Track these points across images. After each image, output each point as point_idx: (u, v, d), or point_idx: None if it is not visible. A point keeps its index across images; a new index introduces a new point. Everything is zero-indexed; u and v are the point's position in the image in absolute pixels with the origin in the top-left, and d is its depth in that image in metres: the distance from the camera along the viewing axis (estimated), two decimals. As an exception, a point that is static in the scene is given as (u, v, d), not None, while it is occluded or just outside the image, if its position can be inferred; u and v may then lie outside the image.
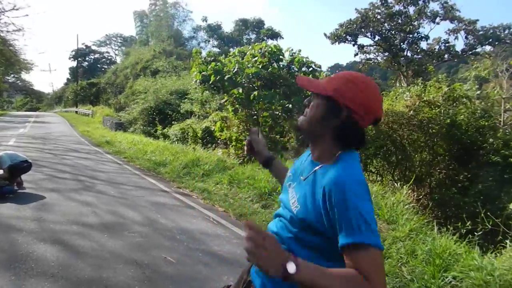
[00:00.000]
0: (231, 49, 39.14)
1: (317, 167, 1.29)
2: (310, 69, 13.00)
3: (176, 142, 16.42)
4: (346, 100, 1.26)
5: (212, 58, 13.74)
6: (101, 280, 3.37)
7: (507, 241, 5.95)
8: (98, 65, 74.51)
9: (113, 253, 4.02)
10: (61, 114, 42.94)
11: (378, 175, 12.71)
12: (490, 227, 6.86)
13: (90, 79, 55.03)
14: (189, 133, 16.69)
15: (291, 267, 1.01)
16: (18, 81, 64.84)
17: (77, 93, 49.47)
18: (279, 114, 12.52)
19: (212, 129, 15.23)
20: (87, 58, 73.57)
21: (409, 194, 11.30)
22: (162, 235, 4.77)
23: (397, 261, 4.39)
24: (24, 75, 60.51)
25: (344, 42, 24.98)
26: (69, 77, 70.65)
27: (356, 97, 1.26)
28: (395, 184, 10.44)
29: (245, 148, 1.73)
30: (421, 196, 12.19)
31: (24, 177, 6.66)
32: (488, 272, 3.96)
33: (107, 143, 15.47)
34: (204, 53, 14.74)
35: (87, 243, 4.24)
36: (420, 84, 11.83)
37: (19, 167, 6.39)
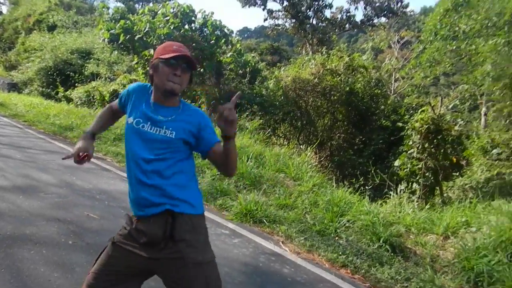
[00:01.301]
0: (136, 5, 37.04)
1: (179, 110, 1.81)
2: (223, 33, 13.09)
3: (81, 105, 15.60)
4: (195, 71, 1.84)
5: (121, 16, 13.11)
6: (25, 236, 3.42)
7: (391, 193, 7.03)
8: (-20, 16, 65.38)
9: (32, 212, 4.02)
10: None
11: (285, 139, 13.57)
12: (378, 181, 7.96)
13: (-30, 31, 48.30)
14: (95, 96, 15.94)
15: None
16: None
17: (-45, 47, 43.22)
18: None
19: (121, 92, 14.75)
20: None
21: (312, 156, 12.33)
22: (81, 195, 4.83)
23: (302, 210, 5.01)
24: None
25: (254, 5, 25.17)
26: None
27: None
28: (301, 147, 11.26)
29: (77, 156, 1.89)
30: (322, 158, 13.36)
31: None
32: (374, 215, 4.75)
33: (1, 106, 14.18)
34: (110, 10, 13.88)
35: (2, 204, 4.15)
36: (324, 52, 12.73)
37: None
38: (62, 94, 17.98)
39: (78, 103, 16.28)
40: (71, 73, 19.99)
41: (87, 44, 23.23)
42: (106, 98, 15.54)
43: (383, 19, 24.34)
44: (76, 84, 18.93)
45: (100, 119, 2.09)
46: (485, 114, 13.65)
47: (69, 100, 16.97)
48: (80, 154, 1.81)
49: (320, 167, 11.81)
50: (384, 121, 11.62)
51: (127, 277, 1.74)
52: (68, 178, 5.56)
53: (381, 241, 4.22)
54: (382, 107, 12.22)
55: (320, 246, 4.02)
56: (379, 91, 12.47)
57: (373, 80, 13.05)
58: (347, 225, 4.65)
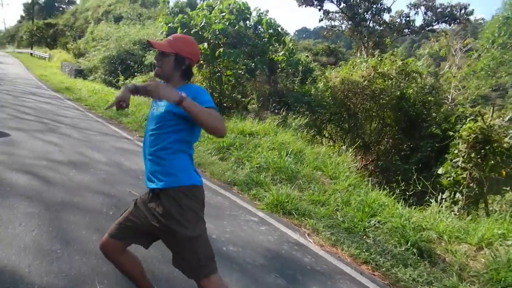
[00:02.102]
0: (198, 0, 38.05)
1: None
2: (276, 32, 13.26)
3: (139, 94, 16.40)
4: (185, 53, 2.02)
5: (179, 10, 13.66)
6: (73, 203, 3.81)
7: (432, 201, 6.87)
8: (56, 4, 70.07)
9: (82, 184, 4.43)
10: (14, 55, 40.68)
11: (330, 140, 13.51)
12: (420, 188, 7.78)
13: (47, 18, 51.93)
14: (152, 86, 16.69)
15: (183, 94, 1.73)
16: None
17: (32, 34, 46.66)
18: (242, 73, 12.83)
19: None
20: (42, -6, 68.95)
21: (354, 158, 12.21)
22: (126, 174, 5.21)
23: (334, 207, 5.07)
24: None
25: (311, 5, 25.08)
26: (23, 14, 66.21)
27: (190, 50, 2.05)
28: (346, 148, 11.18)
29: (118, 104, 2.08)
30: (368, 162, 13.18)
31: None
32: (406, 218, 4.73)
33: (67, 90, 15.25)
34: (171, 3, 14.51)
35: (57, 175, 4.60)
36: (377, 56, 12.52)
37: None
38: (122, 82, 19.00)
39: (136, 91, 17.13)
40: (131, 63, 21.05)
41: (149, 36, 24.31)
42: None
43: (443, 25, 23.37)
44: (136, 73, 19.92)
45: None
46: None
47: (128, 88, 17.90)
48: (120, 102, 2.03)
49: (364, 170, 11.69)
50: (434, 128, 11.25)
51: (140, 233, 2.07)
52: (117, 159, 5.99)
53: (408, 244, 4.21)
54: (434, 114, 11.83)
55: (345, 242, 4.08)
56: (432, 98, 12.07)
57: (427, 87, 12.65)
58: (376, 225, 4.67)
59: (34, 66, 26.56)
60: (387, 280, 3.47)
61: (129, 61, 21.36)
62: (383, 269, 3.62)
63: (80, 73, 22.45)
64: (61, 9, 67.57)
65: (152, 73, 18.82)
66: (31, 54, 39.27)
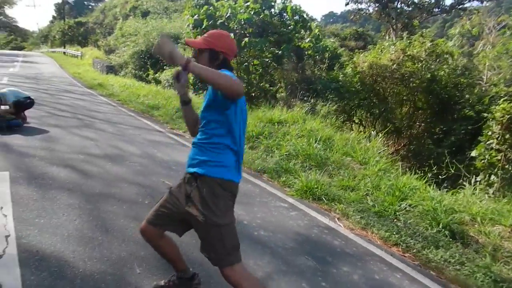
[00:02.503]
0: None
1: None
2: (302, 18, 13.16)
3: (168, 87, 16.74)
4: (219, 47, 2.09)
5: (205, 1, 13.77)
6: (110, 194, 4.01)
7: (466, 184, 6.75)
8: (85, 2, 72.00)
9: (118, 176, 4.64)
10: (48, 54, 42.13)
11: (361, 125, 13.35)
12: (453, 172, 7.64)
13: (77, 17, 53.40)
14: (180, 79, 16.96)
15: (189, 58, 1.83)
16: (1, 17, 62.48)
17: (64, 33, 48.16)
18: (269, 62, 12.84)
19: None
20: (72, -6, 71.04)
21: (389, 145, 12.06)
22: (159, 165, 5.40)
23: (364, 192, 5.08)
24: (8, 11, 58.32)
25: (337, -10, 24.59)
26: (55, 15, 68.35)
27: (223, 44, 2.10)
28: (377, 133, 11.04)
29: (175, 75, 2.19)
30: (399, 147, 12.97)
31: (26, 113, 7.12)
32: (437, 201, 4.69)
33: (100, 86, 15.73)
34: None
35: (94, 168, 4.84)
36: (405, 38, 12.21)
37: (23, 103, 6.83)
38: (152, 76, 19.39)
39: (166, 85, 17.46)
40: (160, 57, 21.42)
41: (176, 29, 24.63)
42: (190, 81, 16.50)
43: (476, 3, 22.40)
44: (165, 67, 20.26)
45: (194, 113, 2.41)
46: None
47: (157, 82, 18.26)
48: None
49: (396, 155, 11.52)
50: (467, 111, 10.92)
51: (174, 220, 2.20)
52: (150, 151, 6.20)
53: (440, 226, 4.19)
54: (467, 96, 11.46)
55: (375, 225, 4.11)
56: (465, 80, 11.69)
57: (460, 68, 12.24)
58: (407, 209, 4.65)
59: (67, 65, 27.45)
60: (417, 261, 3.49)
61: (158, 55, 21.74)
62: (414, 251, 3.64)
63: (111, 69, 23.04)
64: (90, 7, 69.37)
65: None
66: (64, 53, 40.54)
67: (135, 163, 5.36)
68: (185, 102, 2.24)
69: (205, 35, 2.14)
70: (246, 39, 11.71)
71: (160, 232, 2.26)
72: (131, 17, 36.14)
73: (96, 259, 2.74)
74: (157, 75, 19.45)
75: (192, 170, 2.10)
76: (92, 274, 2.55)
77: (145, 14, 35.30)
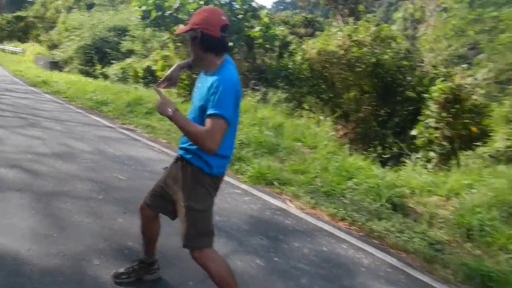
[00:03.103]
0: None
1: (208, 75, 2.01)
2: (252, 7, 13.25)
3: (117, 81, 16.35)
4: (194, 25, 1.95)
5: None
6: (63, 192, 3.99)
7: (407, 161, 7.22)
8: (23, -4, 67.95)
9: (70, 174, 4.59)
10: (-16, 52, 39.58)
11: (311, 112, 13.73)
12: (396, 151, 8.14)
13: (16, 11, 50.36)
14: (130, 73, 16.63)
15: (170, 112, 1.85)
16: None
17: (2, 28, 45.33)
18: (219, 52, 12.84)
19: (154, 68, 15.30)
20: (9, -12, 66.78)
21: (338, 129, 12.51)
22: (112, 161, 5.38)
23: (313, 174, 5.34)
24: None
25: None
26: (-10, 11, 64.14)
27: (200, 20, 1.94)
28: (326, 118, 11.43)
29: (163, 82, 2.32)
30: (348, 131, 13.48)
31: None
32: (380, 178, 5.04)
33: (44, 83, 15.07)
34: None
35: (44, 167, 4.75)
36: (351, 24, 12.64)
37: None
38: (99, 71, 18.84)
39: (114, 79, 17.04)
40: (107, 50, 20.79)
41: (123, 21, 23.92)
42: (139, 75, 16.20)
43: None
44: (112, 61, 19.72)
45: None
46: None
47: (105, 76, 17.77)
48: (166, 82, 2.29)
49: (345, 138, 11.99)
50: (409, 92, 11.55)
51: (167, 202, 2.28)
52: (101, 147, 6.13)
53: (383, 201, 4.53)
54: (409, 78, 12.11)
55: (324, 203, 4.38)
56: (407, 63, 12.32)
57: (402, 51, 12.87)
58: (353, 187, 4.97)
59: (7, 62, 25.95)
60: (362, 232, 3.79)
61: (105, 49, 21.09)
62: (359, 224, 3.93)
63: (56, 65, 22.13)
64: (30, 0, 65.54)
65: (129, 60, 18.71)
66: (3, 49, 38.24)
67: (87, 160, 5.31)
68: (190, 66, 2.36)
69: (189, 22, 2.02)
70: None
71: (155, 214, 2.38)
72: (75, 10, 34.57)
73: (53, 255, 2.78)
74: (104, 69, 18.92)
75: (180, 152, 2.16)
76: (49, 270, 2.60)
77: (90, 6, 33.88)
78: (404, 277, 3.16)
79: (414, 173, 5.61)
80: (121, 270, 2.56)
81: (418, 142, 7.76)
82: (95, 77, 17.96)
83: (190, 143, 2.05)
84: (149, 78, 15.46)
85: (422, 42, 19.22)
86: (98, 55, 20.88)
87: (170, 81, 2.31)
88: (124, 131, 7.63)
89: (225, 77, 1.93)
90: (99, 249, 2.92)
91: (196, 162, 2.08)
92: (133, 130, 7.82)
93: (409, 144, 8.26)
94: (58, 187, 4.15)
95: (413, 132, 8.04)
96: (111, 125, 8.11)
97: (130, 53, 20.10)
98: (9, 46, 37.53)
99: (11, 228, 3.12)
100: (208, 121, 1.87)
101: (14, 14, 47.47)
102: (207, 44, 1.96)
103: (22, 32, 43.96)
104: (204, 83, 2.01)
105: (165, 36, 13.69)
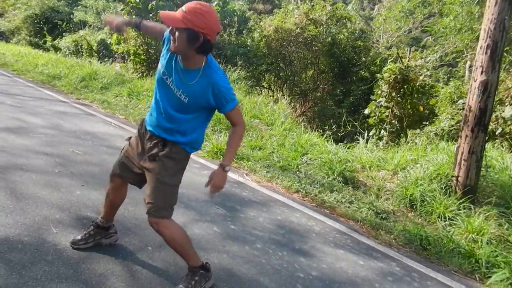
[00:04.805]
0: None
1: (199, 74, 2.03)
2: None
3: (69, 55, 15.70)
4: (201, 29, 1.89)
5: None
6: (17, 165, 3.91)
7: (360, 139, 7.56)
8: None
9: (23, 148, 4.48)
10: None
11: (269, 90, 13.92)
12: (350, 129, 8.47)
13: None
14: (83, 46, 16.01)
15: (227, 168, 2.17)
16: None
17: None
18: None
19: (109, 42, 14.82)
20: None
21: (296, 107, 12.76)
22: (67, 136, 5.29)
23: (270, 150, 5.53)
24: None
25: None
26: None
27: (205, 24, 1.90)
28: (284, 97, 11.61)
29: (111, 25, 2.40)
30: (306, 110, 13.81)
31: None
32: (333, 154, 5.30)
33: (-11, 55, 14.26)
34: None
35: (-4, 141, 4.61)
36: (308, 2, 12.80)
37: None
38: (50, 43, 17.96)
39: (66, 52, 16.34)
40: (58, 21, 19.79)
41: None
42: (93, 48, 15.65)
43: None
44: (64, 33, 18.84)
45: (153, 25, 2.42)
46: (470, 67, 13.99)
47: (57, 49, 17.00)
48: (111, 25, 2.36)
49: (303, 116, 12.29)
50: (363, 72, 11.97)
51: (133, 171, 2.36)
52: (56, 121, 5.99)
53: (335, 174, 4.80)
54: (364, 59, 12.52)
55: (280, 177, 4.58)
56: (361, 43, 12.70)
57: (357, 32, 13.23)
58: (308, 162, 5.21)
59: None
60: (314, 203, 4.03)
61: (55, 19, 20.05)
62: (312, 195, 4.17)
63: (1, 36, 20.82)
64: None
65: (82, 32, 17.96)
66: None
67: (41, 134, 5.18)
68: (137, 27, 2.38)
69: (184, 9, 1.90)
70: (154, 2, 11.37)
71: (122, 182, 2.46)
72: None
73: (9, 225, 2.78)
74: (56, 42, 18.06)
75: (163, 135, 2.19)
76: (7, 238, 2.60)
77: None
78: (351, 241, 3.43)
79: (366, 150, 5.92)
80: (78, 237, 2.62)
81: (371, 120, 8.14)
82: (46, 49, 17.14)
83: (173, 126, 2.15)
84: (104, 52, 14.98)
85: (375, 23, 19.79)
86: (48, 25, 19.86)
87: (112, 25, 2.37)
88: (79, 106, 7.46)
89: (219, 73, 2.07)
90: (56, 219, 2.94)
91: (182, 144, 2.20)
92: (89, 105, 7.66)
93: (362, 122, 8.63)
94: (11, 160, 4.06)
95: (366, 111, 8.41)
96: (65, 100, 7.88)
97: (83, 24, 19.28)
98: None
99: (-37, 201, 3.07)
100: (232, 114, 2.15)
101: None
102: (204, 48, 1.97)
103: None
104: (191, 77, 2.04)
105: (120, 7, 13.25)
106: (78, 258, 2.51)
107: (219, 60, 12.87)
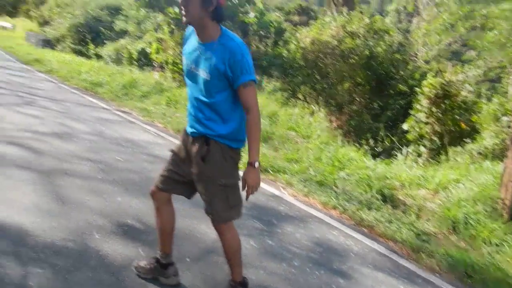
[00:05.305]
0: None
1: (215, 45, 1.96)
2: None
3: (111, 63, 16.26)
4: None
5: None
6: (63, 170, 4.06)
7: (398, 155, 7.39)
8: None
9: (68, 153, 4.66)
10: (-27, 26, 38.75)
11: (305, 102, 13.84)
12: (388, 144, 8.30)
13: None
14: (124, 54, 16.53)
15: (256, 163, 2.03)
16: None
17: (-9, 2, 44.38)
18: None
19: (148, 51, 15.23)
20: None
21: (327, 118, 12.62)
22: (109, 142, 5.45)
23: (306, 164, 5.48)
24: None
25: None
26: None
27: None
28: (320, 109, 11.52)
29: None
30: (341, 123, 13.63)
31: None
32: (371, 170, 5.20)
33: (37, 62, 14.92)
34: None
35: (43, 145, 4.80)
36: (345, 14, 12.68)
37: None
38: (93, 51, 18.67)
39: (108, 60, 16.93)
40: (101, 29, 20.56)
41: (116, 0, 23.63)
42: (134, 56, 16.12)
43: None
44: (105, 41, 19.54)
45: None
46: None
47: (99, 57, 17.64)
48: None
49: (338, 129, 12.13)
50: (401, 86, 11.71)
51: (180, 183, 2.26)
52: (98, 128, 6.20)
53: (373, 192, 4.69)
54: (402, 72, 12.25)
55: (316, 192, 4.52)
56: (399, 56, 12.45)
57: (395, 44, 13.00)
58: (345, 177, 5.12)
59: (-3, 38, 25.55)
60: (352, 221, 3.94)
61: (98, 28, 20.86)
62: (349, 212, 4.09)
63: (48, 43, 21.84)
64: (19, -26, 64.20)
65: (123, 40, 18.57)
66: (-7, 24, 37.45)
67: (85, 140, 5.37)
68: None
69: None
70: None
71: (167, 197, 2.33)
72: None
73: (55, 228, 2.87)
74: (98, 49, 18.76)
75: (202, 130, 2.09)
76: (53, 241, 2.69)
77: (81, -17, 33.31)
78: (391, 264, 3.33)
79: (405, 167, 5.78)
80: (141, 263, 2.49)
81: (409, 136, 7.94)
82: (89, 57, 17.82)
83: (208, 114, 2.06)
84: (144, 60, 15.40)
85: (414, 36, 19.40)
86: (91, 34, 20.68)
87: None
88: (120, 113, 7.68)
89: (239, 41, 1.97)
90: (99, 225, 3.02)
91: (222, 140, 2.07)
92: (129, 113, 7.87)
93: (400, 138, 8.44)
94: (58, 165, 4.22)
95: (404, 126, 8.22)
96: (107, 107, 8.15)
97: (123, 33, 19.94)
98: (-1, 21, 36.77)
99: (14, 202, 3.20)
100: (244, 91, 1.96)
101: (3, -13, 46.44)
102: (218, 12, 1.94)
103: (11, 6, 43.05)
104: (209, 52, 1.98)
105: (159, 17, 13.60)
106: (120, 265, 2.56)
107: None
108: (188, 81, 2.15)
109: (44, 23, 28.85)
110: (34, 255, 2.50)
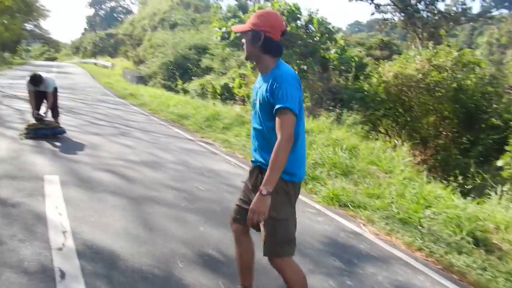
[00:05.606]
0: (249, 2, 38.71)
1: (268, 76, 2.08)
2: (327, 30, 13.40)
3: (196, 97, 17.24)
4: (260, 27, 2.05)
5: (232, 14, 14.21)
6: (150, 197, 4.34)
7: (492, 193, 6.79)
8: (115, 14, 74.74)
9: (156, 181, 4.97)
10: (80, 65, 43.66)
11: (386, 135, 13.39)
12: (479, 181, 7.67)
13: (107, 29, 55.31)
14: (208, 89, 17.46)
15: (263, 191, 1.94)
16: (36, 29, 64.96)
17: (95, 44, 50.00)
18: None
19: (231, 85, 15.93)
20: (103, 6, 74.06)
21: (415, 154, 12.06)
22: (193, 172, 5.72)
23: (389, 200, 5.24)
24: (42, 23, 60.57)
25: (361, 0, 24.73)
26: (86, 27, 71.34)
27: (264, 23, 2.06)
28: (402, 143, 11.07)
29: None
30: (426, 157, 12.93)
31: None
32: (461, 209, 4.82)
33: (131, 96, 16.34)
34: (224, 7, 15.18)
35: (134, 173, 5.20)
36: (430, 48, 12.25)
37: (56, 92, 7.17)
38: (180, 86, 19.99)
39: (194, 94, 17.98)
40: (189, 66, 22.03)
41: (203, 40, 25.30)
42: (217, 91, 16.95)
43: (504, 11, 22.17)
44: (192, 77, 20.85)
45: None
46: None
47: (186, 91, 18.81)
48: None
49: (423, 164, 11.50)
50: (495, 119, 10.86)
51: None
52: (183, 158, 6.55)
53: (463, 233, 4.32)
54: (495, 105, 11.40)
55: (400, 231, 4.28)
56: (492, 88, 11.63)
57: (487, 77, 12.19)
58: (431, 216, 4.79)
59: (99, 75, 28.43)
60: (440, 265, 3.65)
61: (186, 65, 22.37)
62: (437, 255, 3.79)
63: (141, 79, 23.83)
64: (120, 19, 71.87)
65: (208, 76, 19.69)
66: (95, 63, 41.97)
67: (171, 169, 5.70)
68: None
69: (250, 17, 2.15)
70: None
71: (245, 228, 2.33)
72: (159, 28, 37.19)
73: (142, 254, 3.05)
74: (185, 85, 20.04)
75: (258, 162, 2.16)
76: (140, 267, 2.85)
77: (173, 26, 36.29)
78: (486, 316, 3.01)
79: (500, 207, 5.26)
80: None
81: (505, 173, 7.27)
82: (176, 91, 19.08)
83: (259, 142, 2.15)
84: (226, 95, 16.11)
85: (510, 68, 18.02)
86: (179, 71, 22.22)
87: None
88: (203, 144, 8.05)
89: (285, 71, 2.05)
90: (182, 253, 3.14)
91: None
92: (212, 144, 8.21)
93: (494, 175, 7.75)
94: (146, 192, 4.52)
95: (499, 163, 7.55)
96: (191, 138, 8.60)
97: (209, 70, 21.13)
98: (101, 61, 41.11)
99: (107, 226, 3.48)
100: (277, 117, 1.97)
101: (106, 32, 52.19)
102: (268, 47, 2.07)
103: (112, 48, 48.06)
104: (263, 83, 2.09)
105: (243, 55, 14.24)
106: (201, 294, 2.63)
107: (334, 103, 12.91)
108: (252, 112, 2.27)
109: (139, 62, 31.67)
110: (124, 279, 2.67)
